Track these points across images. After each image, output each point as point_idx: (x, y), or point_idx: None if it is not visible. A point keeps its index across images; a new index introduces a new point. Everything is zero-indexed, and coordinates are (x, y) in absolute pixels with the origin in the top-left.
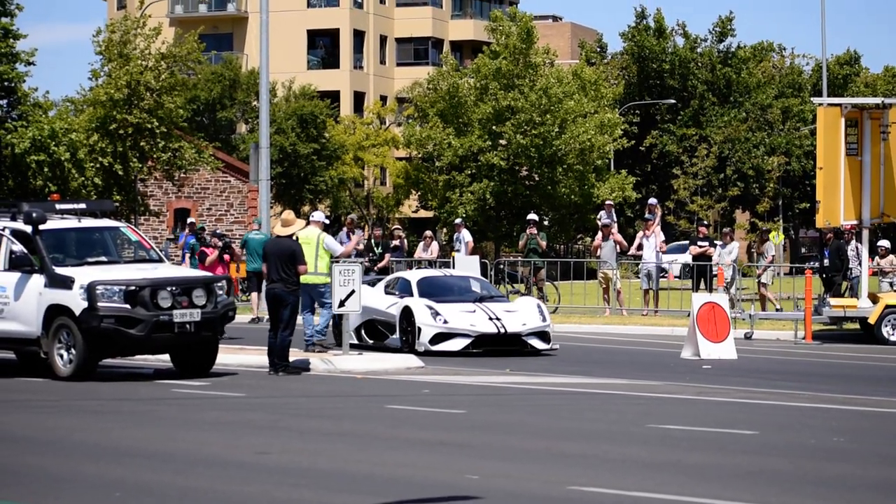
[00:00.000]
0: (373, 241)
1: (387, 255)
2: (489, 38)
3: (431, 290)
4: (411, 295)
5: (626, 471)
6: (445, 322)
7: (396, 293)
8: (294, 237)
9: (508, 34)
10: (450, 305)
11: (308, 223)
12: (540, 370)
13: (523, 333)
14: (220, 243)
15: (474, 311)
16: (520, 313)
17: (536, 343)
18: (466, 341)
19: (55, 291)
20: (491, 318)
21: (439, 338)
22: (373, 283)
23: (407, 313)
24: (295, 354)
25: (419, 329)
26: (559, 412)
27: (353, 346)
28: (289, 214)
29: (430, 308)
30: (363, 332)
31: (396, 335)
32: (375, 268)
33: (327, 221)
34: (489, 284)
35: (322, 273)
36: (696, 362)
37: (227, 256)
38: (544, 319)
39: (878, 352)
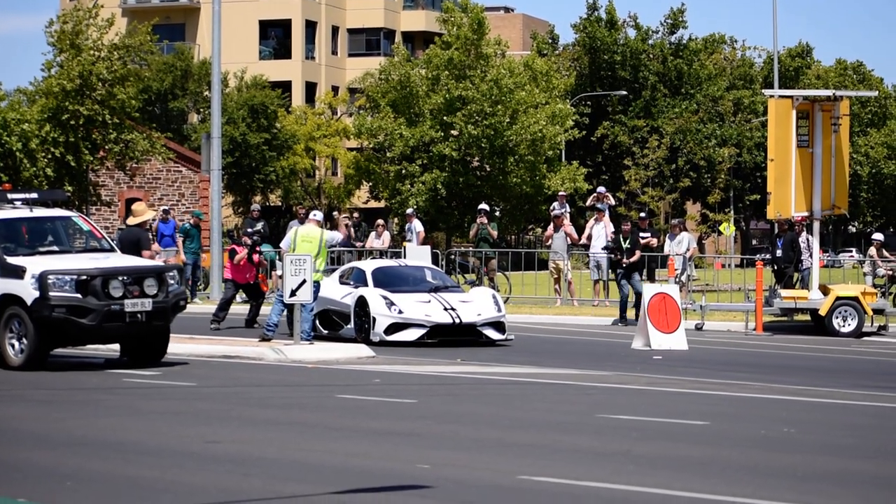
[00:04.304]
0: (620, 235)
1: (637, 251)
2: (441, 28)
3: (386, 280)
4: (366, 285)
5: (577, 460)
6: (400, 312)
7: (351, 283)
8: (147, 226)
9: (460, 25)
10: (405, 296)
11: (306, 221)
12: (491, 360)
13: (478, 324)
14: (249, 241)
15: (429, 302)
16: (475, 303)
17: (491, 333)
18: (421, 331)
19: (6, 281)
20: (446, 309)
21: (394, 328)
22: (327, 273)
23: (362, 303)
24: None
25: (374, 319)
26: (510, 402)
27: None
28: (139, 206)
29: (385, 298)
30: (318, 322)
31: (351, 325)
32: (624, 262)
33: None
34: (444, 275)
35: (319, 270)
36: (647, 353)
37: (255, 256)
38: (499, 310)
39: (828, 343)
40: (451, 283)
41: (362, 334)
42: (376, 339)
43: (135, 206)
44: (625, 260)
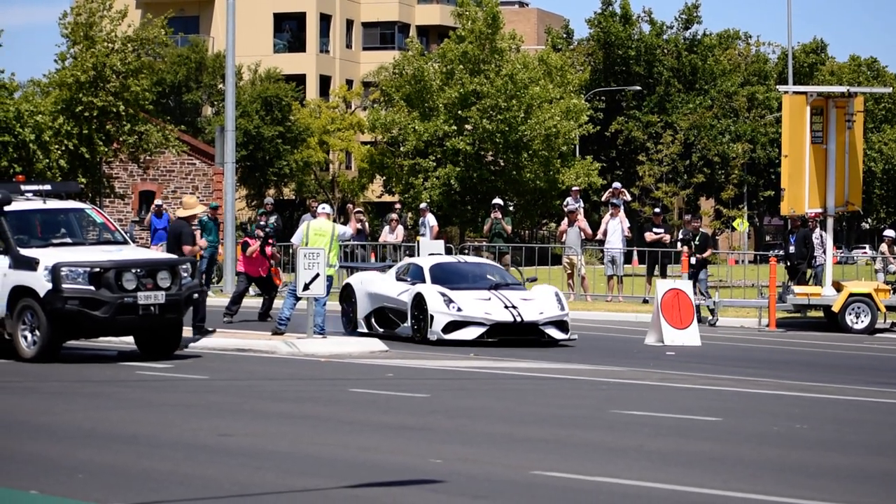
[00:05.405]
0: (691, 233)
1: (709, 248)
2: (455, 22)
3: (445, 276)
4: (423, 281)
5: (589, 456)
6: (459, 310)
7: (408, 280)
8: (195, 221)
9: (474, 19)
10: (464, 293)
11: (316, 215)
12: (503, 355)
13: (540, 322)
14: (261, 234)
15: (489, 299)
16: (537, 302)
17: (554, 333)
18: (481, 330)
19: (20, 273)
20: (507, 307)
21: (452, 326)
22: (383, 270)
23: (419, 300)
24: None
25: (432, 317)
26: (523, 397)
27: (362, 335)
28: (189, 199)
29: (444, 295)
30: (374, 320)
31: (408, 323)
32: (694, 258)
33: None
34: (505, 272)
35: (332, 265)
36: (660, 349)
37: (268, 249)
38: (562, 308)
39: (841, 340)
40: (511, 280)
41: (419, 333)
42: (434, 337)
43: (185, 199)
44: (695, 256)
